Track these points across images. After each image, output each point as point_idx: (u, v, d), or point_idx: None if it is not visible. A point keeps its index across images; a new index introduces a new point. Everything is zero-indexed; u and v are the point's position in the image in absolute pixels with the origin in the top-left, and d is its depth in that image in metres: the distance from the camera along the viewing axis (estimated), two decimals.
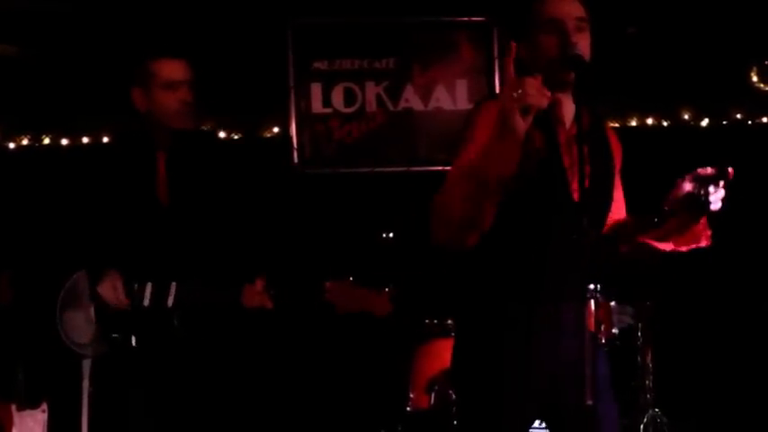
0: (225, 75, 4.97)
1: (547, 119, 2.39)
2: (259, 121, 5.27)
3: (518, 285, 2.44)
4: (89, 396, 3.29)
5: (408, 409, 4.21)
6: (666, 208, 2.41)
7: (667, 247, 2.52)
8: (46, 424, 3.51)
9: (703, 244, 2.52)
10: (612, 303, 4.21)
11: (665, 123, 5.39)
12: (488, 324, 2.46)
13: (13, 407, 3.48)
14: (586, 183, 2.17)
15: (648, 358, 4.46)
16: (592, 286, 2.14)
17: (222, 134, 5.17)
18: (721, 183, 2.32)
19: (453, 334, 2.69)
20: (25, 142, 5.16)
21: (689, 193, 2.35)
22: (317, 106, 5.29)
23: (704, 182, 2.33)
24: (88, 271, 3.15)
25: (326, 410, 4.95)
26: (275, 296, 3.18)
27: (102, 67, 4.87)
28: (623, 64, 4.93)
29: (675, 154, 4.98)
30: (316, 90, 5.28)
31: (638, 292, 4.37)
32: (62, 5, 4.94)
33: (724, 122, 5.38)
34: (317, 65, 5.28)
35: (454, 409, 3.49)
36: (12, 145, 5.15)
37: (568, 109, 2.47)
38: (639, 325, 4.43)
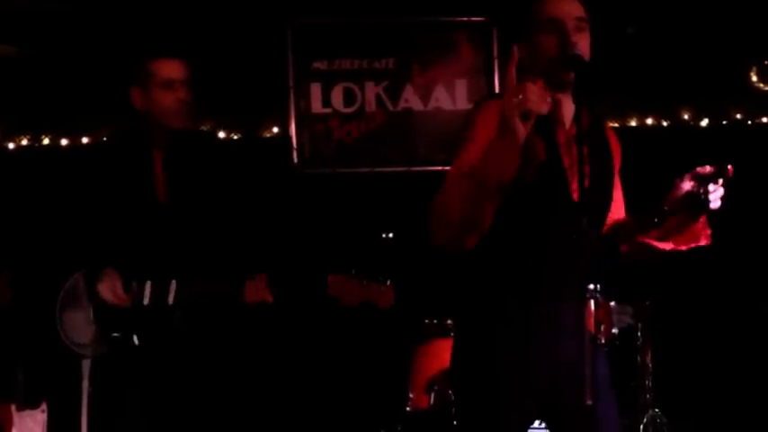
0: (224, 75, 4.97)
1: (547, 120, 2.39)
2: (258, 121, 5.27)
3: (517, 285, 2.44)
4: (89, 396, 3.29)
5: (408, 409, 4.21)
6: (666, 207, 2.41)
7: (667, 246, 2.52)
8: (45, 424, 3.51)
9: (703, 243, 2.52)
10: (612, 303, 4.20)
11: (664, 123, 5.39)
12: (488, 324, 2.46)
13: (13, 407, 3.48)
14: (586, 183, 2.17)
15: (648, 358, 4.46)
16: (591, 286, 2.15)
17: (222, 134, 5.17)
18: (720, 181, 2.32)
19: (453, 334, 2.68)
20: (25, 142, 5.16)
21: (688, 192, 2.35)
22: (316, 106, 5.29)
23: (703, 180, 2.33)
24: (87, 270, 3.15)
25: (326, 410, 4.95)
26: (277, 295, 3.18)
27: (102, 67, 4.87)
28: (623, 64, 4.93)
29: (675, 154, 4.98)
30: (315, 90, 5.28)
31: (637, 292, 4.36)
32: (62, 5, 4.94)
33: (724, 122, 5.38)
34: (316, 65, 5.28)
35: (454, 409, 3.49)
36: (11, 145, 5.15)
37: (568, 109, 2.47)
38: (639, 325, 4.42)
